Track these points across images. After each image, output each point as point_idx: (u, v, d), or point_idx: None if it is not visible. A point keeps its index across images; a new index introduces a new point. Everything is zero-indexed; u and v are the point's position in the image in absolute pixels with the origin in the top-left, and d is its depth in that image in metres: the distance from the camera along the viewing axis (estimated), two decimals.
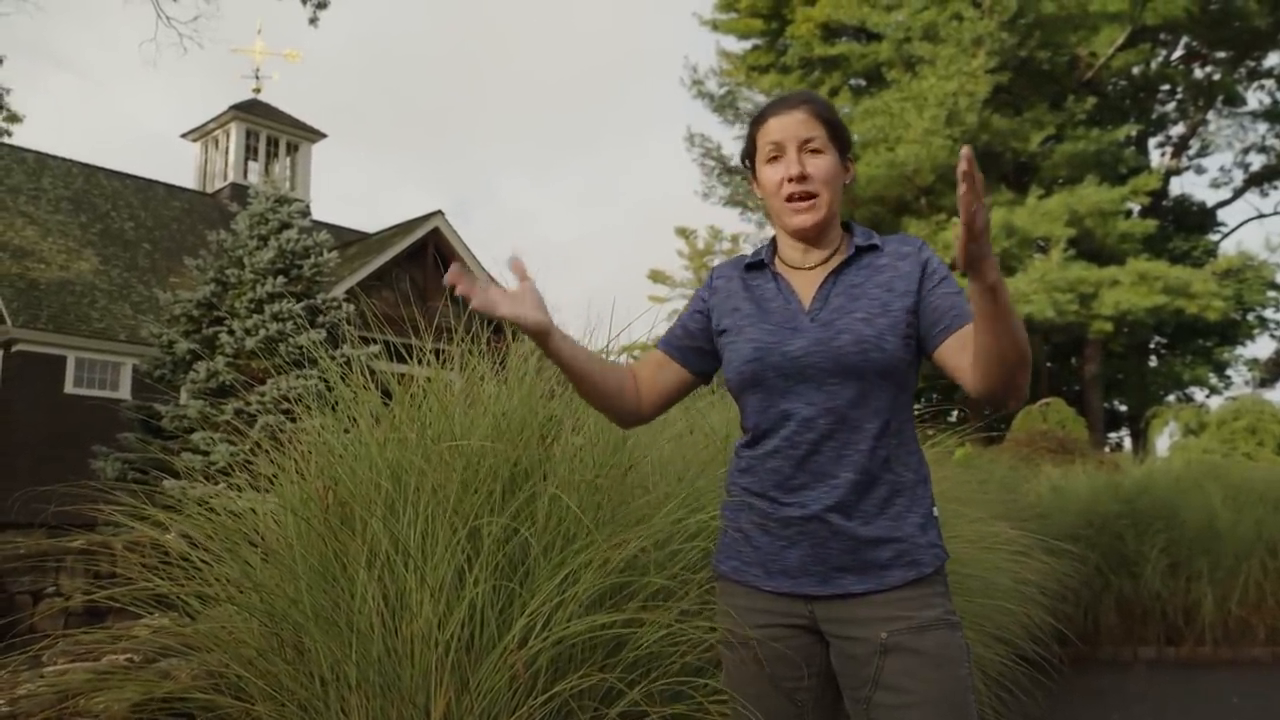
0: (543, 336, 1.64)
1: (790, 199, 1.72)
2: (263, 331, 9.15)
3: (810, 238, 1.76)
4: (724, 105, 30.43)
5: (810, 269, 1.77)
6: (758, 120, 1.80)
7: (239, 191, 20.41)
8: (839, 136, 1.76)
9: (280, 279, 9.67)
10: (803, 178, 1.71)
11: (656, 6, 66.87)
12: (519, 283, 1.64)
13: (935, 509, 1.71)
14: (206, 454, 7.93)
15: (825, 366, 1.66)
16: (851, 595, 1.63)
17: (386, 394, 2.75)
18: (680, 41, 68.59)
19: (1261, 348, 39.70)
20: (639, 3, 71.65)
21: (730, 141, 30.94)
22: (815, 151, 1.72)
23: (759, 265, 1.82)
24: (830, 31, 27.37)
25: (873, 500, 1.65)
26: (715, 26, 30.12)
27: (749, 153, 1.83)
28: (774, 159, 1.75)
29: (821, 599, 1.65)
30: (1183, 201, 30.10)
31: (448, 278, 1.59)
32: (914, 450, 1.72)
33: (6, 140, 19.46)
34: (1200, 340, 28.63)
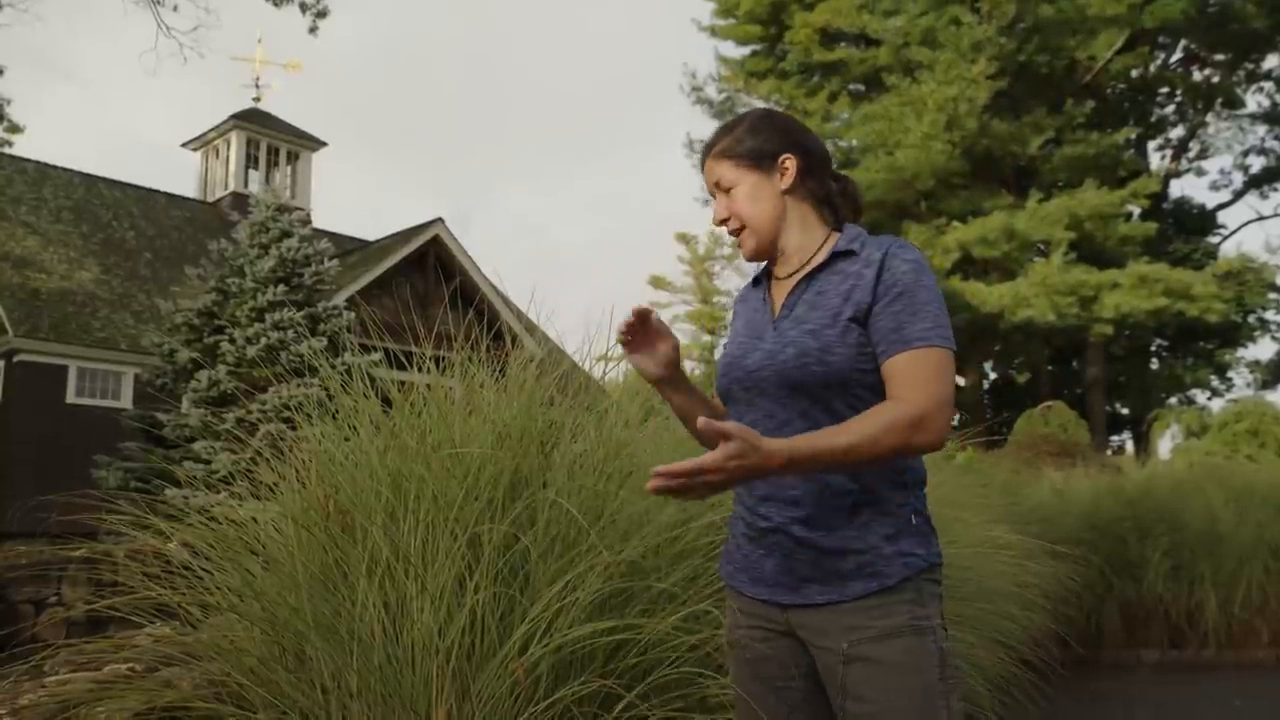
0: (659, 386, 1.85)
1: (731, 235, 1.84)
2: (264, 340, 9.16)
3: (764, 259, 1.83)
4: (723, 111, 30.47)
5: (787, 278, 1.79)
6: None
7: (240, 200, 20.42)
8: (750, 156, 1.78)
9: (281, 287, 9.68)
10: (722, 222, 1.82)
11: (661, 14, 66.99)
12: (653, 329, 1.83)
13: (916, 517, 1.68)
14: (208, 463, 7.94)
15: (772, 379, 1.68)
16: (816, 605, 1.64)
17: (387, 402, 2.75)
18: (683, 48, 68.68)
19: (1263, 350, 39.62)
20: (644, 11, 71.77)
21: None
22: (728, 190, 1.80)
23: (759, 280, 1.88)
24: (829, 37, 27.40)
25: (836, 511, 1.64)
26: (714, 32, 30.19)
27: None
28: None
29: (793, 608, 1.68)
30: (1183, 204, 30.11)
31: (634, 313, 1.80)
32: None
33: (7, 150, 19.50)
34: (1201, 343, 28.62)
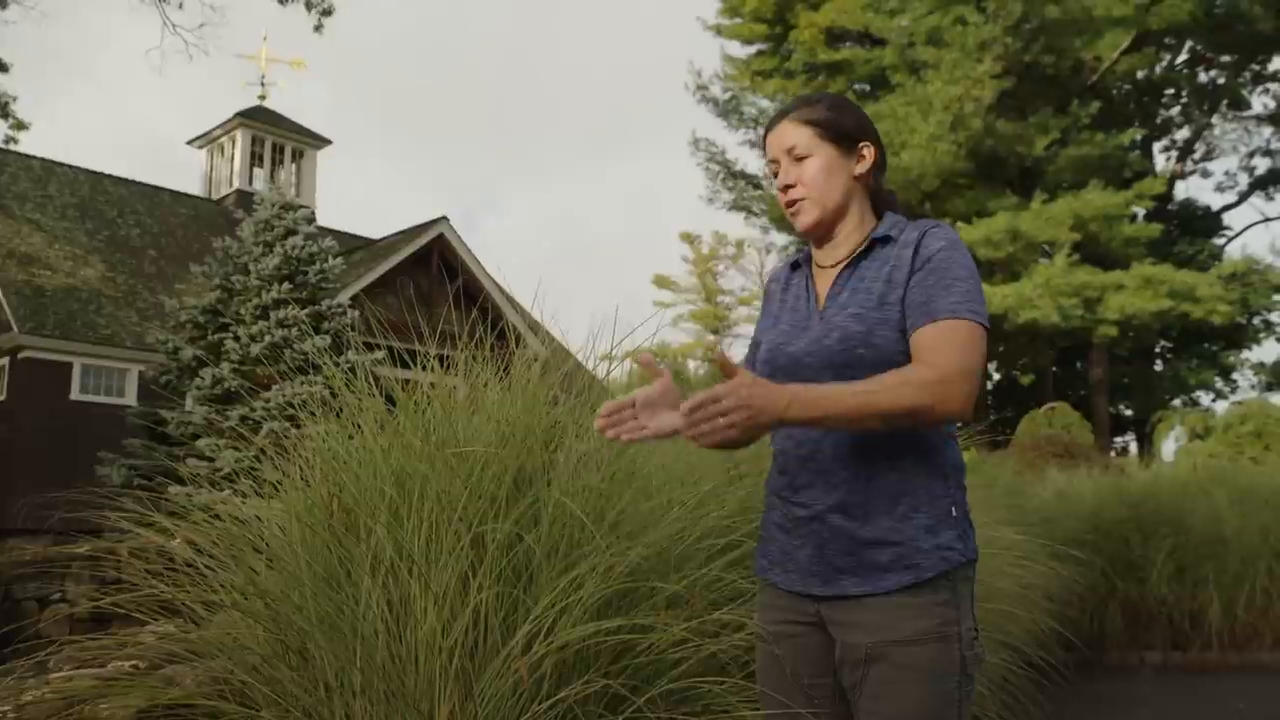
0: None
1: (787, 206, 1.79)
2: (268, 338, 9.18)
3: (817, 237, 1.80)
4: (729, 110, 30.48)
5: (832, 266, 1.79)
6: (764, 138, 1.86)
7: (245, 198, 20.47)
8: (834, 131, 1.76)
9: (285, 285, 9.70)
10: (787, 188, 1.77)
11: (670, 13, 66.93)
12: (656, 381, 1.61)
13: (956, 509, 1.66)
14: (212, 460, 7.95)
15: (816, 365, 1.67)
16: (850, 597, 1.63)
17: (391, 400, 2.75)
18: (690, 47, 68.59)
19: (1267, 351, 39.56)
20: (653, 10, 71.76)
21: (734, 146, 31.05)
22: (800, 158, 1.76)
23: (798, 265, 1.88)
24: (834, 36, 27.37)
25: (875, 500, 1.63)
26: (719, 31, 30.17)
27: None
28: (775, 174, 1.82)
29: (825, 599, 1.67)
30: (1188, 205, 30.06)
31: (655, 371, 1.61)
32: (930, 447, 1.66)
33: (13, 148, 19.51)
34: (1206, 344, 28.57)
